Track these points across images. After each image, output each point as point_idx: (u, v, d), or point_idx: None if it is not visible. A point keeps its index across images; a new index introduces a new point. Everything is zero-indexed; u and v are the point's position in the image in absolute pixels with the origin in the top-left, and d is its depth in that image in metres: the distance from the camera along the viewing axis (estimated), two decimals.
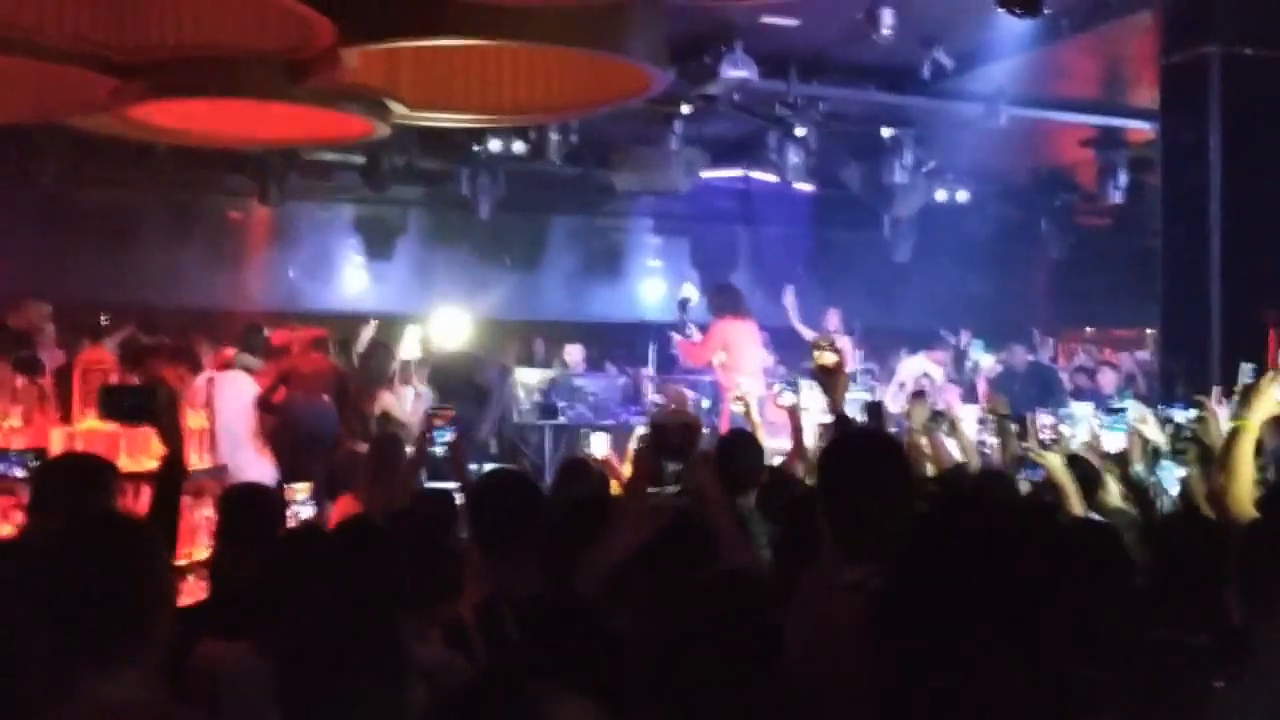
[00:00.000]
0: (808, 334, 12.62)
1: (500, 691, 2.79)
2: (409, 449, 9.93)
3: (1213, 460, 4.72)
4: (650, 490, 2.71)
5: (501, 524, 3.63)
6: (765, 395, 10.28)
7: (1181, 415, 5.47)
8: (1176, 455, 5.29)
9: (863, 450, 3.05)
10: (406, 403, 11.36)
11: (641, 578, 2.73)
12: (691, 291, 12.54)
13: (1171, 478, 5.49)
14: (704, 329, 11.93)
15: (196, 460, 7.75)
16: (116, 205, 15.19)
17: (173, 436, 3.48)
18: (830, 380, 4.24)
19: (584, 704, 2.59)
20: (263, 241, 16.14)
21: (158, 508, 3.47)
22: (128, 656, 2.40)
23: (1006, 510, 1.63)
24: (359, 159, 14.37)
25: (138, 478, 7.33)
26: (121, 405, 3.57)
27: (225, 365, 10.09)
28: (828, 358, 4.29)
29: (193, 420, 8.17)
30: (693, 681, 2.41)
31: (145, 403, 3.50)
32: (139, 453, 7.75)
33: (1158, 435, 5.50)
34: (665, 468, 2.72)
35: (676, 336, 12.20)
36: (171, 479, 3.47)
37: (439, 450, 4.67)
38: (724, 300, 11.76)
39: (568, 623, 2.69)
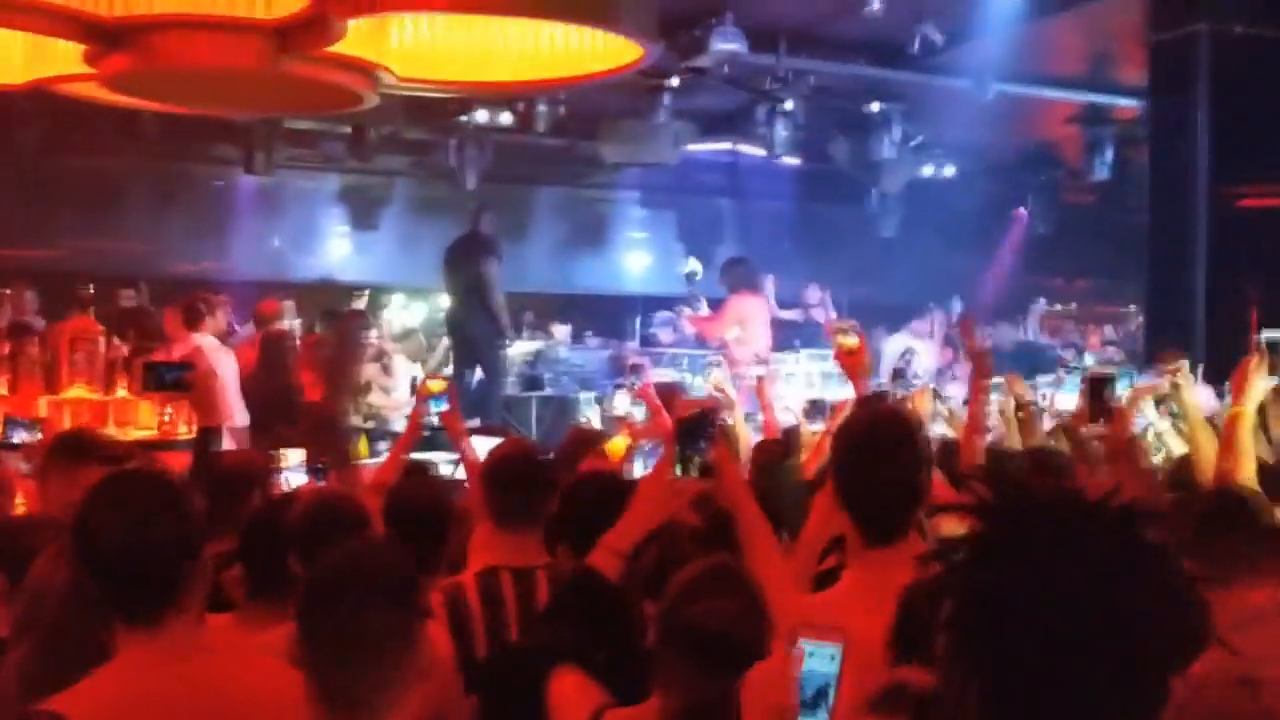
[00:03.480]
0: (786, 315, 12.67)
1: (514, 662, 2.86)
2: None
3: (1184, 420, 4.86)
4: (676, 474, 2.74)
5: (514, 498, 3.66)
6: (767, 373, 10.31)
7: (1157, 381, 5.56)
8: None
9: (882, 430, 3.06)
10: (394, 372, 11.37)
11: (650, 559, 2.78)
12: (696, 265, 12.43)
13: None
14: (714, 303, 11.89)
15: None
16: (100, 173, 15.12)
17: (208, 409, 3.52)
18: (852, 363, 4.26)
19: (578, 675, 2.65)
20: (248, 211, 16.07)
21: (196, 478, 3.51)
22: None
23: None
24: (345, 129, 14.31)
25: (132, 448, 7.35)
26: (163, 379, 3.64)
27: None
28: (850, 341, 4.30)
29: None
30: (689, 670, 2.45)
31: (184, 377, 3.56)
32: (126, 423, 7.77)
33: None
34: (690, 457, 2.75)
35: (685, 310, 12.11)
36: (208, 448, 3.51)
37: (433, 420, 4.66)
38: (739, 275, 11.72)
39: (589, 600, 2.74)
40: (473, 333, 11.67)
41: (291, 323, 12.45)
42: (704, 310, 11.88)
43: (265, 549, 3.44)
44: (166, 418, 7.69)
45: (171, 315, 8.92)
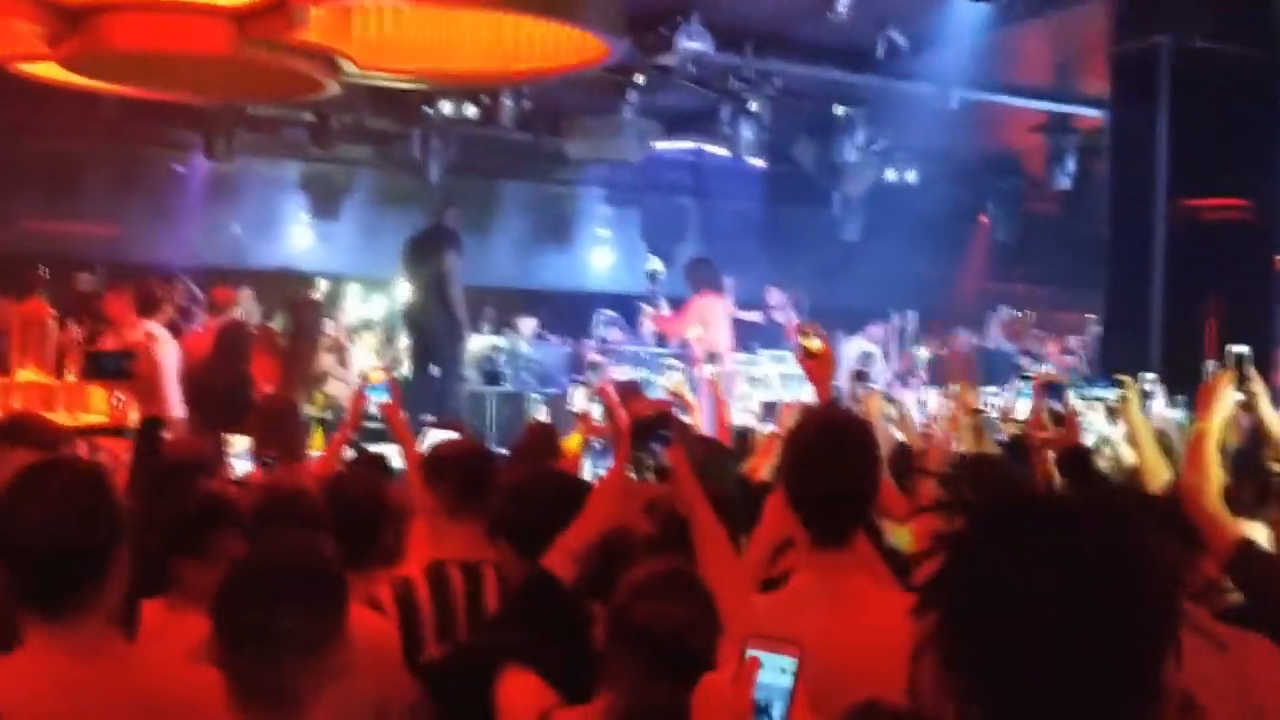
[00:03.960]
0: (746, 316, 12.72)
1: (464, 661, 2.84)
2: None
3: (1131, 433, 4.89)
4: (631, 476, 2.73)
5: (461, 491, 3.66)
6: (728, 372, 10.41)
7: (1107, 393, 5.62)
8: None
9: (832, 433, 3.04)
10: (350, 364, 11.32)
11: (597, 560, 2.76)
12: (658, 264, 12.53)
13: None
14: (675, 303, 11.96)
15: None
16: (60, 155, 14.94)
17: (152, 398, 3.48)
18: (815, 366, 4.19)
19: (527, 675, 2.63)
20: (207, 196, 15.93)
21: (138, 468, 3.46)
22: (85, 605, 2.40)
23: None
24: (308, 116, 14.21)
25: (73, 432, 7.27)
26: (104, 368, 3.61)
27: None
28: (814, 344, 4.23)
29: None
30: (637, 670, 2.44)
31: (125, 365, 3.53)
32: (77, 408, 7.69)
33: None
34: (645, 460, 2.75)
35: (648, 309, 12.21)
36: (152, 440, 3.46)
37: (374, 410, 4.62)
38: (702, 275, 11.81)
39: (543, 601, 2.72)
40: (431, 326, 11.61)
41: (250, 311, 12.38)
42: (665, 309, 11.94)
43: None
44: (118, 403, 7.62)
45: (118, 300, 8.83)
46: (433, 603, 3.46)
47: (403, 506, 4.06)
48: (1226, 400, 3.57)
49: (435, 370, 11.61)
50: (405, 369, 12.05)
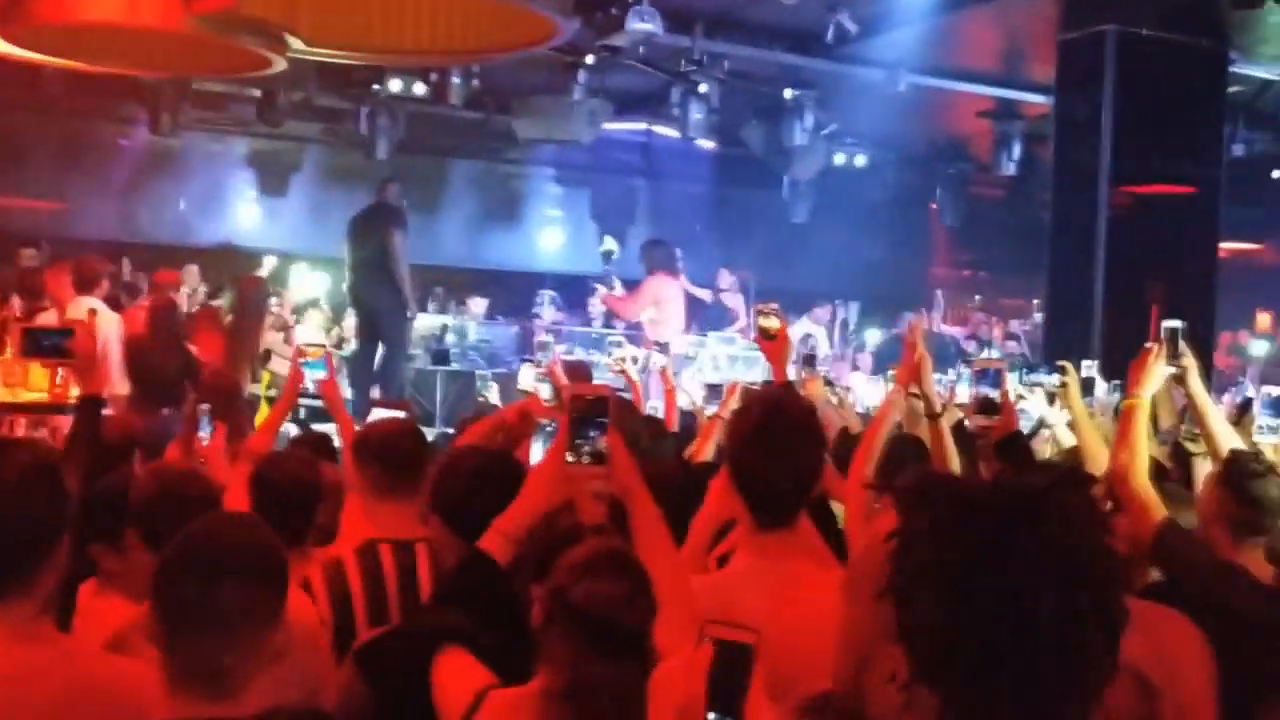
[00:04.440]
0: (697, 292, 12.75)
1: (400, 643, 2.83)
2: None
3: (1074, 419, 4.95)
4: (569, 459, 2.71)
5: (391, 469, 3.64)
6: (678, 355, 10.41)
7: (1047, 379, 5.67)
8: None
9: (777, 415, 3.04)
10: (294, 341, 11.23)
11: (539, 542, 2.76)
12: (613, 244, 12.53)
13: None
14: (629, 284, 11.95)
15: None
16: (3, 130, 14.71)
17: (91, 376, 3.44)
18: (772, 347, 4.17)
19: (464, 656, 2.63)
20: (153, 172, 15.75)
21: (73, 444, 3.43)
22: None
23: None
24: (254, 92, 14.06)
25: (12, 409, 7.20)
26: (41, 345, 3.57)
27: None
28: (771, 323, 4.17)
29: None
30: (572, 650, 2.44)
31: (63, 343, 3.50)
32: (15, 384, 7.60)
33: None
34: (582, 444, 2.72)
35: (601, 289, 12.18)
36: (89, 417, 3.42)
37: (310, 387, 4.58)
38: (657, 256, 11.80)
39: (479, 583, 2.72)
40: (375, 304, 11.53)
41: (196, 288, 12.27)
42: (619, 289, 11.92)
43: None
44: (59, 381, 7.51)
45: (56, 277, 8.70)
46: (364, 583, 3.45)
47: (338, 485, 4.02)
48: (1157, 374, 3.58)
49: (381, 349, 11.55)
50: (352, 346, 11.98)
